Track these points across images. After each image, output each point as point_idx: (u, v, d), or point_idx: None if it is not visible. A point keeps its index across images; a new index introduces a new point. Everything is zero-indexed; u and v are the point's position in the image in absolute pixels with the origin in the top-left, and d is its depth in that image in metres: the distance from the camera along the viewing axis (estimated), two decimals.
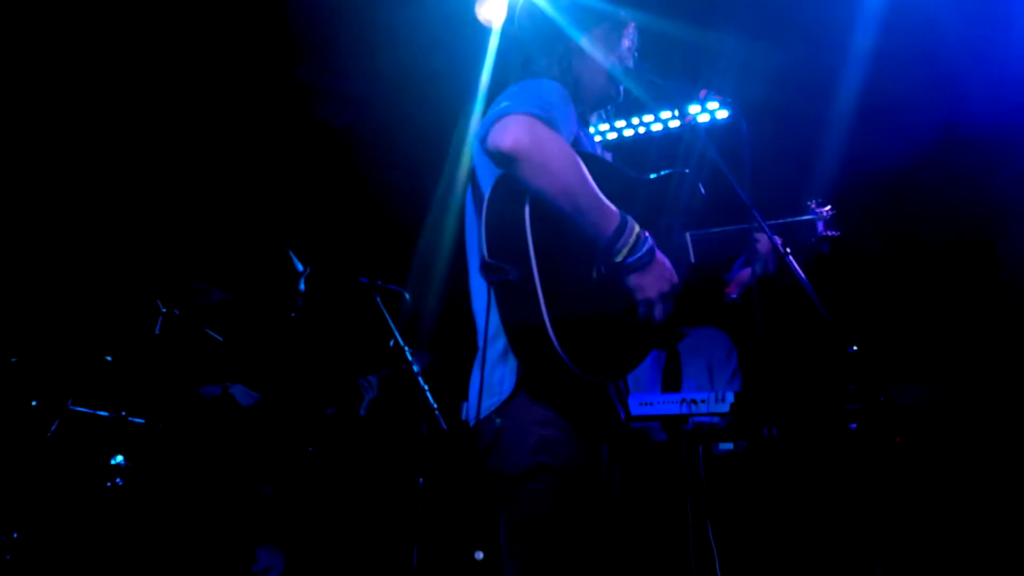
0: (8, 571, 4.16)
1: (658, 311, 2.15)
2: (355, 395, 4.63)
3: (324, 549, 4.65)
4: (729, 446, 3.90)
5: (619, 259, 2.11)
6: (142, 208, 5.94)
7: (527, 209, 2.07)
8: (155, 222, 5.96)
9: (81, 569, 4.44)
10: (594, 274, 2.14)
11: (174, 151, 5.98)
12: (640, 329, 2.18)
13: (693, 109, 4.06)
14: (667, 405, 3.80)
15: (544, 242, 2.06)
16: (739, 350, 4.57)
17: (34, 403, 4.47)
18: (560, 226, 2.08)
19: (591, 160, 2.18)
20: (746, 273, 2.50)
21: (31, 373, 4.50)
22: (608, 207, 2.10)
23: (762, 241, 2.39)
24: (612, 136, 2.45)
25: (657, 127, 5.05)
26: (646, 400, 3.70)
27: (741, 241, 2.38)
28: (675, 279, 2.17)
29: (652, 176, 2.39)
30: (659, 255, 2.16)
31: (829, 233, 2.65)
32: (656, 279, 2.14)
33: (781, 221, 2.60)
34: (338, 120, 6.12)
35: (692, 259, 2.33)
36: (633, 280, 2.14)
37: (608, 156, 2.46)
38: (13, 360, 4.42)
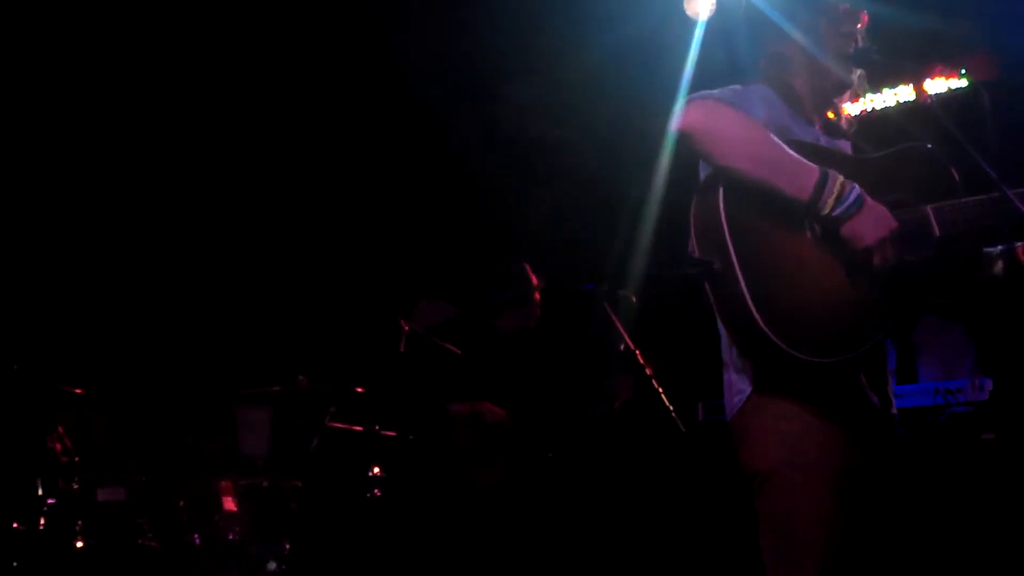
0: None
1: (877, 257, 2.08)
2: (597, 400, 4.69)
3: (570, 553, 4.73)
4: (990, 436, 3.66)
5: (826, 212, 2.06)
6: (383, 233, 6.31)
7: (721, 193, 2.08)
8: (395, 244, 6.31)
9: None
10: (809, 235, 2.10)
11: (406, 175, 6.32)
12: (866, 299, 2.10)
13: (927, 85, 3.86)
14: (919, 397, 3.62)
15: (741, 223, 2.06)
16: (981, 336, 4.27)
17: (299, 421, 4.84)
18: (757, 202, 2.07)
19: (798, 146, 2.16)
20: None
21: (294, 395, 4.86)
22: (804, 163, 2.08)
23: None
24: (844, 117, 2.40)
25: (890, 105, 4.86)
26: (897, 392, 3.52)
27: (994, 210, 2.22)
28: (893, 223, 2.09)
29: (882, 153, 2.30)
30: (870, 201, 2.09)
31: None
32: (871, 224, 2.07)
33: None
34: (547, 132, 6.24)
35: (937, 232, 2.20)
36: (846, 230, 2.08)
37: (839, 145, 2.38)
38: (300, 378, 4.79)
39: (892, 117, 4.85)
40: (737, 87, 2.30)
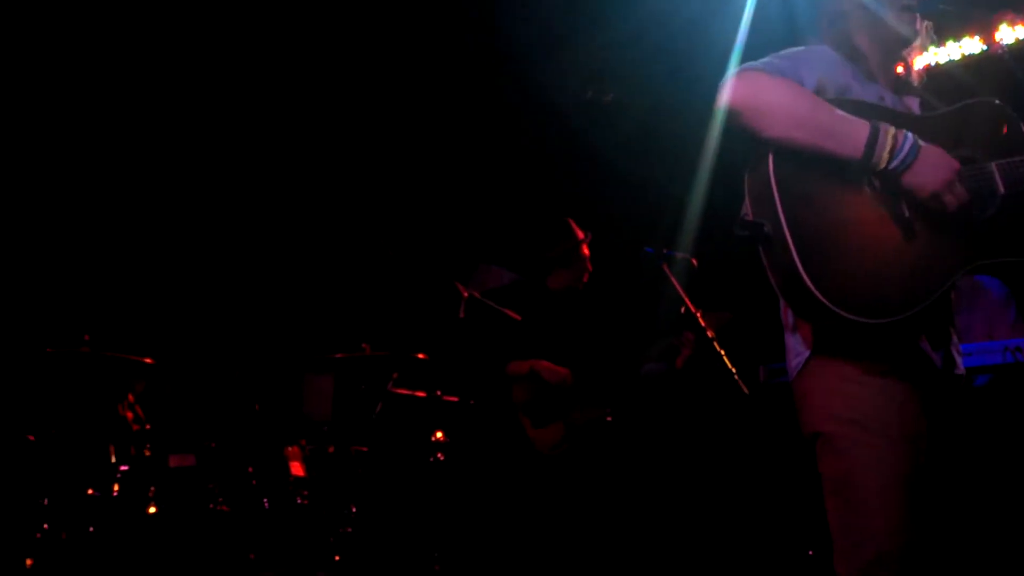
0: (348, 542, 4.58)
1: (948, 200, 2.04)
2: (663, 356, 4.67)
3: (630, 515, 4.74)
4: None
5: (883, 166, 2.03)
6: (441, 201, 6.35)
7: (771, 158, 2.06)
8: (453, 212, 6.35)
9: (411, 538, 4.81)
10: (868, 191, 2.06)
11: (459, 145, 6.33)
12: (923, 258, 2.05)
13: (997, 33, 3.72)
14: (986, 355, 3.50)
15: (792, 187, 2.04)
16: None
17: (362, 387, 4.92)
18: (809, 166, 2.05)
19: (858, 106, 2.12)
20: None
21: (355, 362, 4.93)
22: (854, 121, 2.05)
23: None
24: (915, 72, 2.31)
25: (955, 59, 4.70)
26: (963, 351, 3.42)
27: None
28: (955, 163, 2.06)
29: (947, 110, 2.24)
30: (927, 146, 2.05)
31: None
32: (932, 168, 2.04)
33: None
34: (602, 96, 6.17)
35: (1001, 190, 2.12)
36: (907, 182, 2.04)
37: (906, 101, 2.31)
38: (363, 346, 4.86)
39: (958, 70, 4.70)
40: (793, 50, 2.25)
